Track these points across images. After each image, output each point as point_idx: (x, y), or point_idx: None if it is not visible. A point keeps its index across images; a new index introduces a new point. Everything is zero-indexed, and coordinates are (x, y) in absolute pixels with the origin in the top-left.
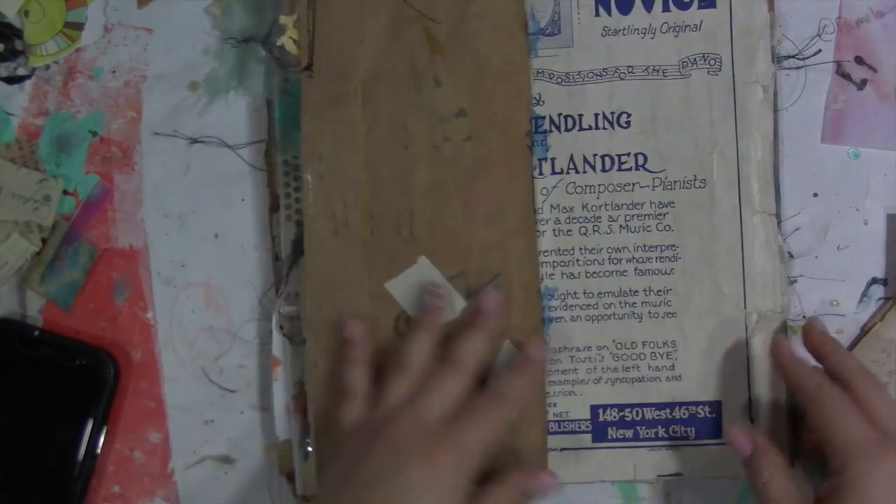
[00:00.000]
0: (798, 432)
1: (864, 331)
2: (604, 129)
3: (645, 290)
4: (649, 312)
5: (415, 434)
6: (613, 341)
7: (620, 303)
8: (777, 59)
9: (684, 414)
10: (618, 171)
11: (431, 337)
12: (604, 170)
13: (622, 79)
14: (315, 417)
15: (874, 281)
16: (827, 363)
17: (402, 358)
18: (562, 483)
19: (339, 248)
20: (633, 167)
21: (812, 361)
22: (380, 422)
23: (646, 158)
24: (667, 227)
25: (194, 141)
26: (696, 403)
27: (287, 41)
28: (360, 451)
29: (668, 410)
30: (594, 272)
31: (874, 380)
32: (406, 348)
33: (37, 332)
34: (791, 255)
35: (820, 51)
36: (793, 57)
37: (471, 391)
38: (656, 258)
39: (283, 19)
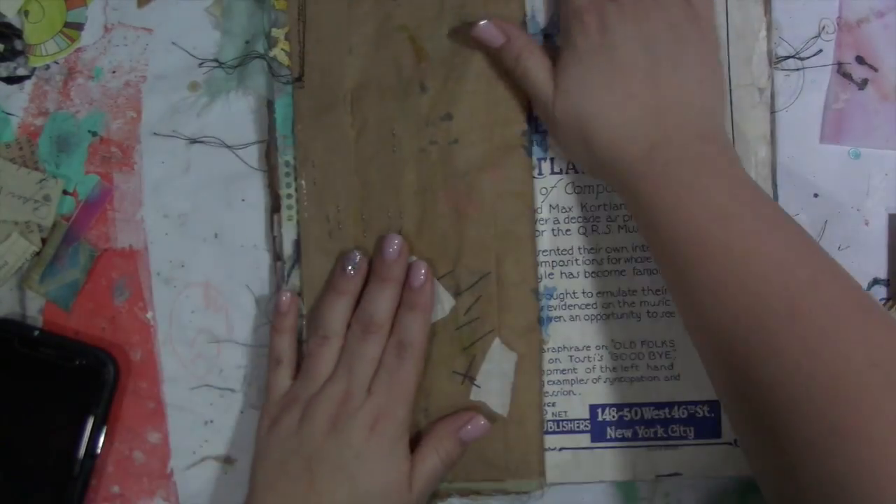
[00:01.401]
0: None
1: None
2: None
3: (643, 290)
4: (648, 312)
5: (347, 406)
6: (612, 341)
7: (619, 302)
8: (776, 60)
9: (683, 413)
10: None
11: (347, 301)
12: None
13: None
14: None
15: (876, 281)
16: None
17: (322, 326)
18: (557, 484)
19: (334, 250)
20: None
21: None
22: (310, 395)
23: None
24: None
25: (194, 141)
26: (695, 403)
27: (279, 53)
28: (295, 422)
29: (666, 410)
30: (593, 272)
31: None
32: (325, 316)
33: (37, 332)
34: None
35: (820, 51)
36: (792, 57)
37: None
38: None
39: (274, 32)
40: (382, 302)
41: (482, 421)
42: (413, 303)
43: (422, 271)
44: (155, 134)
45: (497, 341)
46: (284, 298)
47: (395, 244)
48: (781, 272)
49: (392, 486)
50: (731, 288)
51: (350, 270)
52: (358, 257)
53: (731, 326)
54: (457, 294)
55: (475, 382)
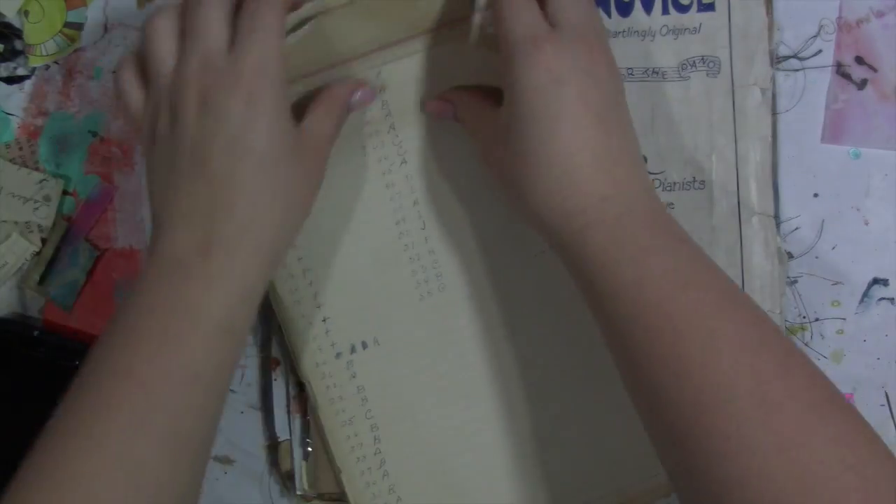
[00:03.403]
0: None
1: None
2: None
3: None
4: None
5: (209, 76)
6: None
7: None
8: (777, 60)
9: None
10: None
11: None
12: None
13: (622, 80)
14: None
15: (875, 281)
16: None
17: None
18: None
19: None
20: None
21: None
22: (166, 87)
23: (645, 159)
24: None
25: None
26: None
27: None
28: (167, 124)
29: None
30: None
31: None
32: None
33: (37, 333)
34: (791, 256)
35: (820, 51)
36: (792, 57)
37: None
38: None
39: None
40: None
41: (370, 89)
42: None
43: None
44: None
45: None
46: None
47: None
48: (749, 354)
49: (284, 154)
50: (696, 367)
51: None
52: None
53: (693, 412)
54: None
55: None
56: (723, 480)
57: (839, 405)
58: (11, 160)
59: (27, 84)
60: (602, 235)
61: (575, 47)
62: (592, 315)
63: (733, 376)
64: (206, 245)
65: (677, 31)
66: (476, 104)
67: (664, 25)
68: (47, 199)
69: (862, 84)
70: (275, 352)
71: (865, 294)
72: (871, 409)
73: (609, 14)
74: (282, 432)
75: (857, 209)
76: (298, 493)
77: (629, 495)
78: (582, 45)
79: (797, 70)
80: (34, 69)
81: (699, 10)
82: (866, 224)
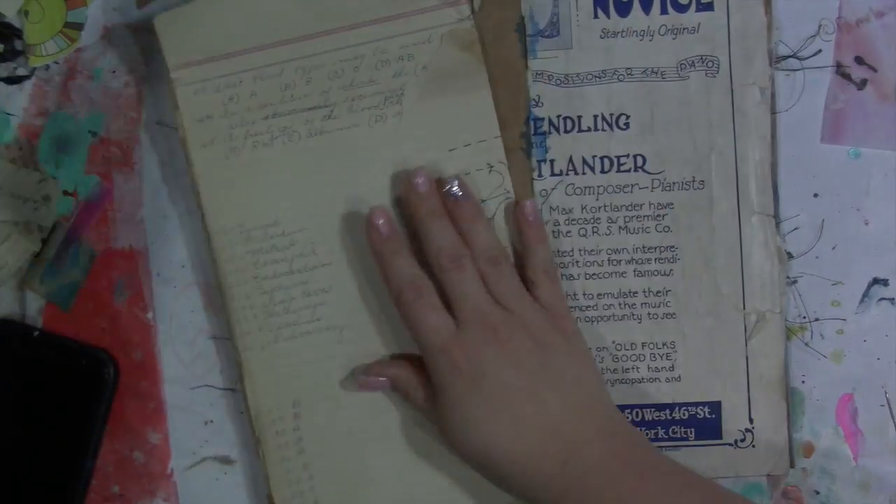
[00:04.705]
0: None
1: None
2: (603, 130)
3: (644, 292)
4: (648, 313)
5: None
6: (613, 342)
7: (620, 304)
8: (776, 60)
9: (684, 415)
10: (617, 172)
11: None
12: (603, 171)
13: (621, 80)
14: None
15: (875, 281)
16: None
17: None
18: None
19: None
20: (632, 168)
21: None
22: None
23: (644, 160)
24: (666, 229)
25: None
26: (696, 404)
27: None
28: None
29: (667, 411)
30: (593, 273)
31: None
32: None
33: (36, 333)
34: (791, 256)
35: (820, 51)
36: (792, 57)
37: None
38: (655, 259)
39: None
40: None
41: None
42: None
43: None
44: (156, 132)
45: None
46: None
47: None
48: None
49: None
50: None
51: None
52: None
53: None
54: None
55: None
56: None
57: None
58: (11, 160)
59: (27, 84)
60: (574, 499)
61: (483, 337)
62: None
63: None
64: None
65: (676, 31)
66: (410, 374)
67: (663, 25)
68: (47, 199)
69: (862, 84)
70: None
71: (865, 294)
72: (871, 409)
73: (608, 14)
74: None
75: (857, 209)
76: None
77: None
78: (487, 332)
79: (796, 70)
80: (34, 69)
81: (698, 10)
82: (866, 224)
